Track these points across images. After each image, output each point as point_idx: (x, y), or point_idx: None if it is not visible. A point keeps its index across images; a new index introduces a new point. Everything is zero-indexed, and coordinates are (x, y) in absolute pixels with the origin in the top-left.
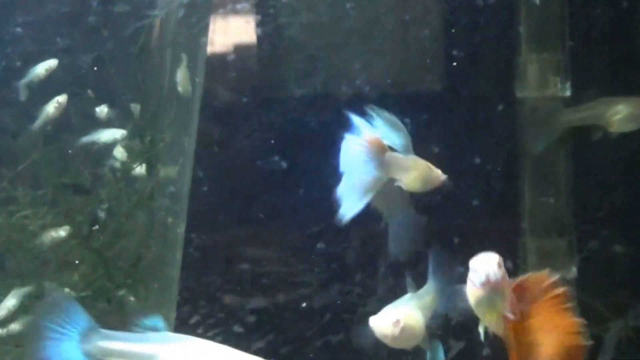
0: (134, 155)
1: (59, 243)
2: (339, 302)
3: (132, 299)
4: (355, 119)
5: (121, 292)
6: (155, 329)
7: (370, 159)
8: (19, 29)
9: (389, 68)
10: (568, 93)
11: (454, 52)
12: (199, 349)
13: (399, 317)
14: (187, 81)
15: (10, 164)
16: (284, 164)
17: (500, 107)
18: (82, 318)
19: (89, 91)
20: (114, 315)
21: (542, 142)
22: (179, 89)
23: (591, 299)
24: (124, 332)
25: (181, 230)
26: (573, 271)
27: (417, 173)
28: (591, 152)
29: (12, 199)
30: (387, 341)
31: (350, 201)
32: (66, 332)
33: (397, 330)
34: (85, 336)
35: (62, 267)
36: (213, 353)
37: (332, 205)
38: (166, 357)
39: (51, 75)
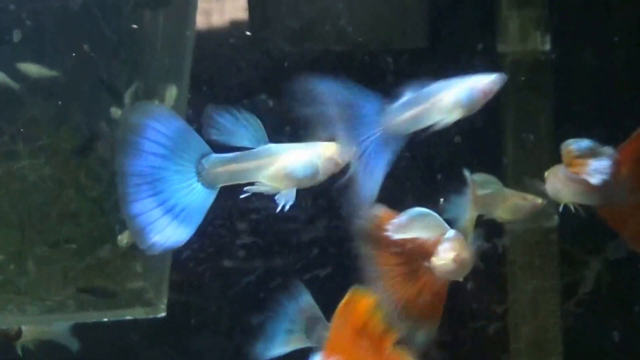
0: None
1: None
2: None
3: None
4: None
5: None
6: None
7: None
8: None
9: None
10: (548, 47)
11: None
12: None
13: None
14: None
15: (11, 118)
16: (270, 102)
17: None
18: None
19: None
20: (112, 264)
21: None
22: None
23: (572, 246)
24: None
25: None
26: (555, 219)
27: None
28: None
29: (13, 153)
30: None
31: None
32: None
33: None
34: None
35: (62, 218)
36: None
37: None
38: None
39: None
